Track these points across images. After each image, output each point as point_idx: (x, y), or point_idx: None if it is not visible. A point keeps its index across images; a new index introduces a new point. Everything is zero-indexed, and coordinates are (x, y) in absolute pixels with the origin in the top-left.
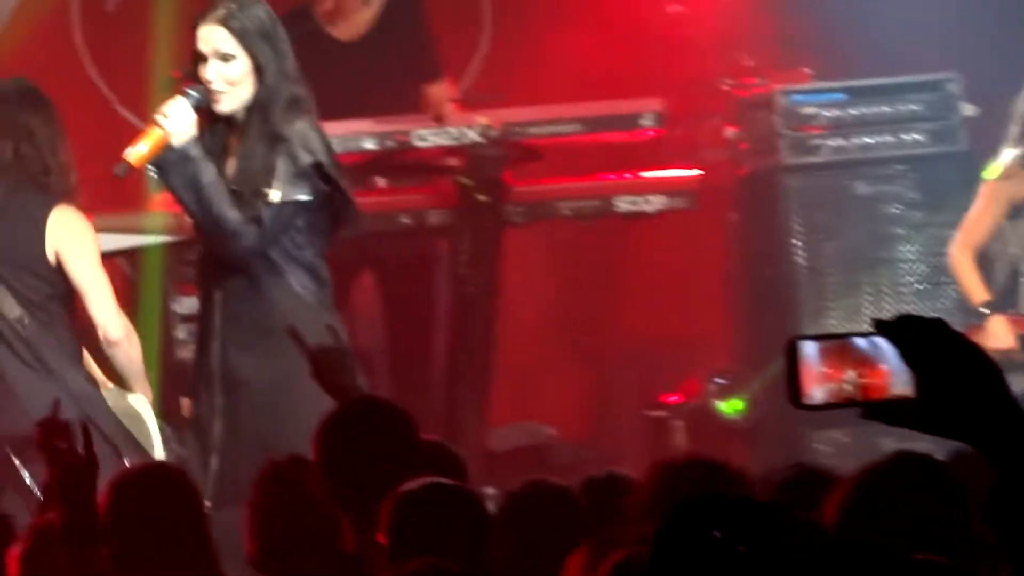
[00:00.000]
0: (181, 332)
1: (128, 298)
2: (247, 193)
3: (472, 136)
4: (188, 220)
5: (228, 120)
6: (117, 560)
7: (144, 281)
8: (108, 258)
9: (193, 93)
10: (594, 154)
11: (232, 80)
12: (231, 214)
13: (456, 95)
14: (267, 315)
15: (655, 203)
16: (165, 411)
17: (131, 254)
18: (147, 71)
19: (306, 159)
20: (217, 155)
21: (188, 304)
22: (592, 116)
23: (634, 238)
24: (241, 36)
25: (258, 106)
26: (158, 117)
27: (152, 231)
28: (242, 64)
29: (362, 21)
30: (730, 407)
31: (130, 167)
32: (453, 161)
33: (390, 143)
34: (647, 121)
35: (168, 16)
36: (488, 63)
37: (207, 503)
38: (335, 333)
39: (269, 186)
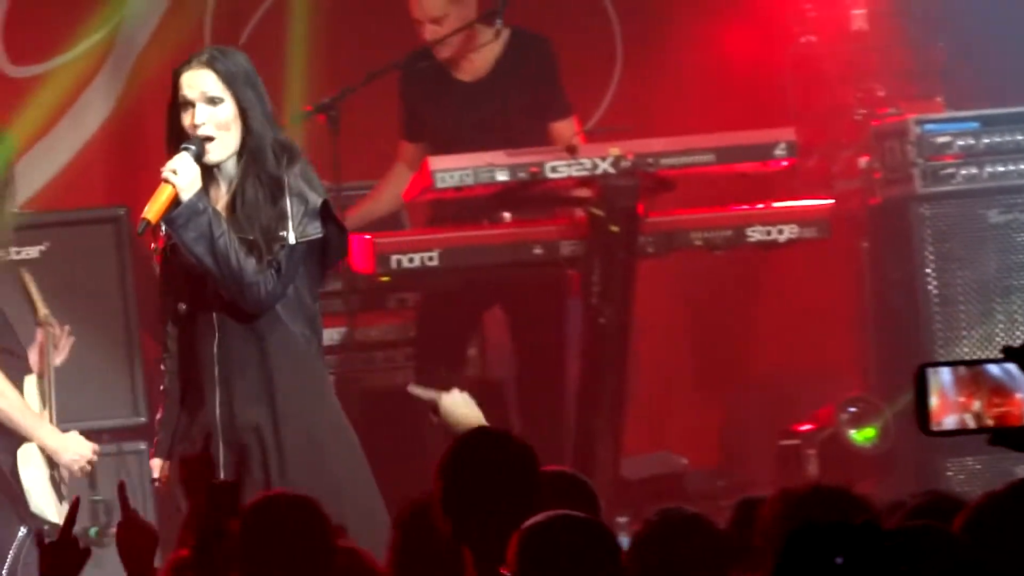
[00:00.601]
0: None
1: None
2: (258, 239)
3: (605, 167)
4: None
5: (207, 169)
6: None
7: None
8: None
9: (191, 146)
10: (726, 184)
11: (221, 124)
12: (248, 263)
13: (584, 130)
14: (270, 366)
15: (787, 232)
16: None
17: None
18: (279, 104)
19: (314, 198)
20: (218, 203)
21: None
22: (725, 146)
23: (766, 268)
24: (227, 80)
25: (250, 152)
26: (167, 173)
27: None
28: (229, 108)
29: (483, 63)
30: (862, 435)
31: (150, 224)
32: (585, 192)
33: (523, 175)
34: (781, 151)
35: (299, 49)
36: (621, 94)
37: None
38: (326, 378)
39: (284, 229)
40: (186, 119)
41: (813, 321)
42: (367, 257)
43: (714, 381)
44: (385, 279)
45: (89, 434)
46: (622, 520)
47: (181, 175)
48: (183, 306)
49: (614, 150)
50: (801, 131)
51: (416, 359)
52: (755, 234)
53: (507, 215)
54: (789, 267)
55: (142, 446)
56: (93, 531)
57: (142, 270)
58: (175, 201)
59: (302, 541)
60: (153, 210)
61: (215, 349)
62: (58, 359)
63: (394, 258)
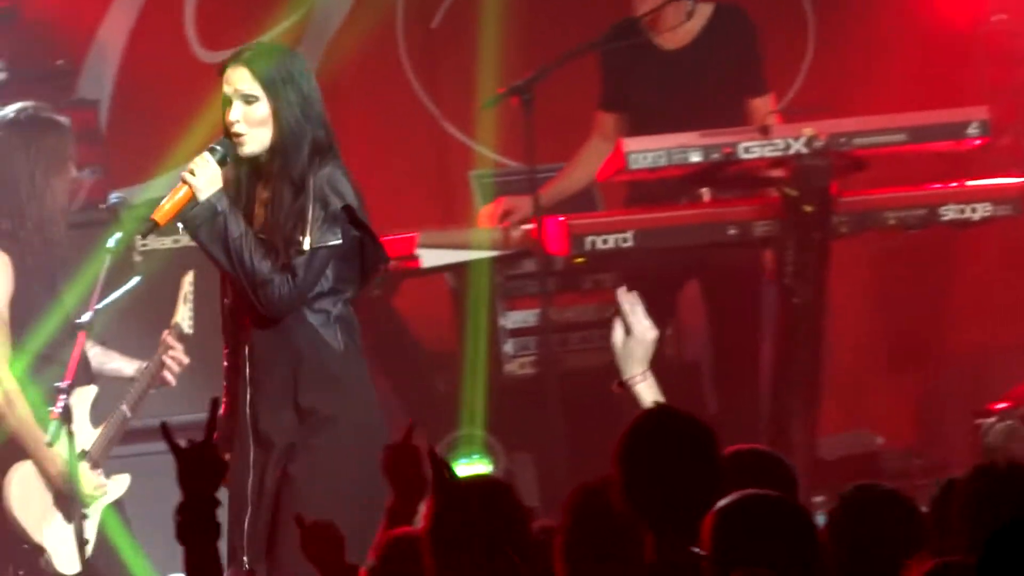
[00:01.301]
0: (509, 347)
1: (455, 313)
2: (278, 242)
3: (798, 147)
4: (515, 235)
5: (255, 166)
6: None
7: (471, 296)
8: (435, 272)
9: (218, 147)
10: (919, 163)
11: (254, 122)
12: (262, 265)
13: (777, 109)
14: (297, 369)
15: (981, 211)
16: (494, 427)
17: (458, 269)
18: (472, 87)
19: (336, 203)
20: (246, 204)
21: (516, 318)
22: (918, 125)
23: (959, 246)
24: (262, 78)
25: (280, 151)
26: (184, 174)
27: (479, 246)
28: (264, 107)
29: (686, 33)
30: None
31: (156, 225)
32: (779, 172)
33: (716, 155)
34: (974, 130)
35: (492, 32)
36: (813, 74)
37: (245, 560)
38: (366, 384)
39: (302, 233)
40: (226, 115)
41: (1008, 299)
42: (561, 239)
43: (909, 359)
44: (580, 261)
45: None
46: (818, 500)
47: (199, 175)
48: (226, 301)
49: (807, 130)
50: (994, 109)
51: None
52: (949, 213)
53: (705, 193)
54: (983, 245)
55: None
56: None
57: None
58: (193, 201)
59: (498, 522)
60: (163, 211)
61: (247, 350)
62: (166, 375)
63: (588, 239)
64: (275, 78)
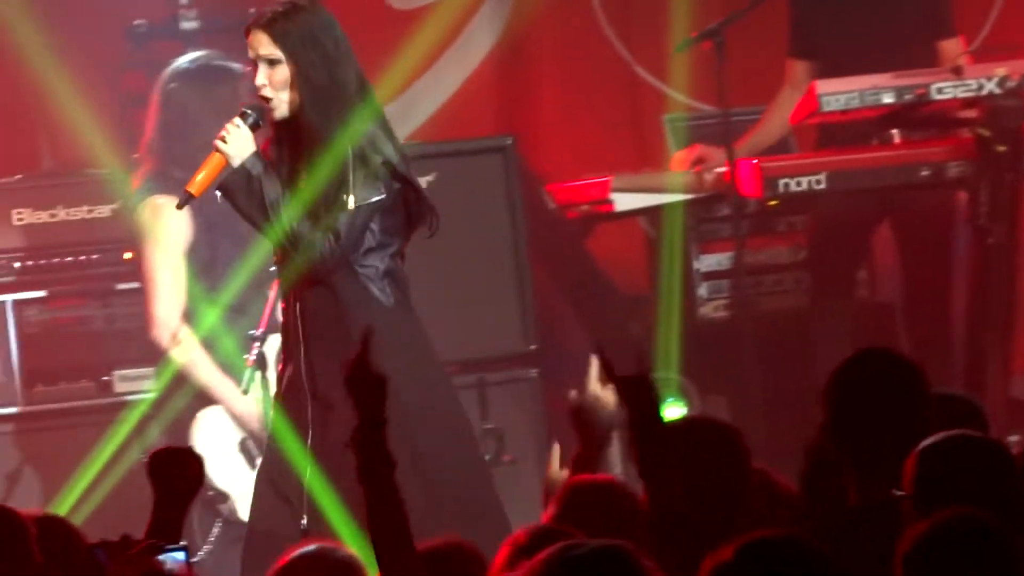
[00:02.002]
0: (703, 290)
1: (649, 257)
2: (320, 202)
3: (991, 87)
4: (708, 178)
5: (292, 129)
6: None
7: (665, 240)
8: (628, 216)
9: (249, 112)
10: None
11: (278, 84)
12: (302, 226)
13: (969, 50)
14: (348, 324)
15: None
16: (688, 370)
17: (651, 213)
18: (664, 31)
19: (376, 159)
20: (288, 166)
21: (709, 262)
22: None
23: None
24: (283, 40)
25: (308, 112)
26: (216, 141)
27: (673, 189)
28: (286, 69)
29: None
30: None
31: (191, 196)
32: (971, 113)
33: (909, 96)
34: None
35: None
36: (1004, 15)
37: (304, 520)
38: (418, 337)
39: (345, 192)
40: (254, 79)
41: None
42: (755, 181)
43: None
44: (773, 203)
45: (476, 363)
46: (1013, 439)
47: (230, 142)
48: (274, 267)
49: (1000, 70)
50: None
51: (809, 283)
52: None
53: (895, 135)
54: None
55: (533, 373)
56: (486, 459)
57: (531, 199)
58: (227, 168)
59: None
60: (197, 181)
61: (298, 307)
62: None
63: (781, 182)
64: (295, 39)
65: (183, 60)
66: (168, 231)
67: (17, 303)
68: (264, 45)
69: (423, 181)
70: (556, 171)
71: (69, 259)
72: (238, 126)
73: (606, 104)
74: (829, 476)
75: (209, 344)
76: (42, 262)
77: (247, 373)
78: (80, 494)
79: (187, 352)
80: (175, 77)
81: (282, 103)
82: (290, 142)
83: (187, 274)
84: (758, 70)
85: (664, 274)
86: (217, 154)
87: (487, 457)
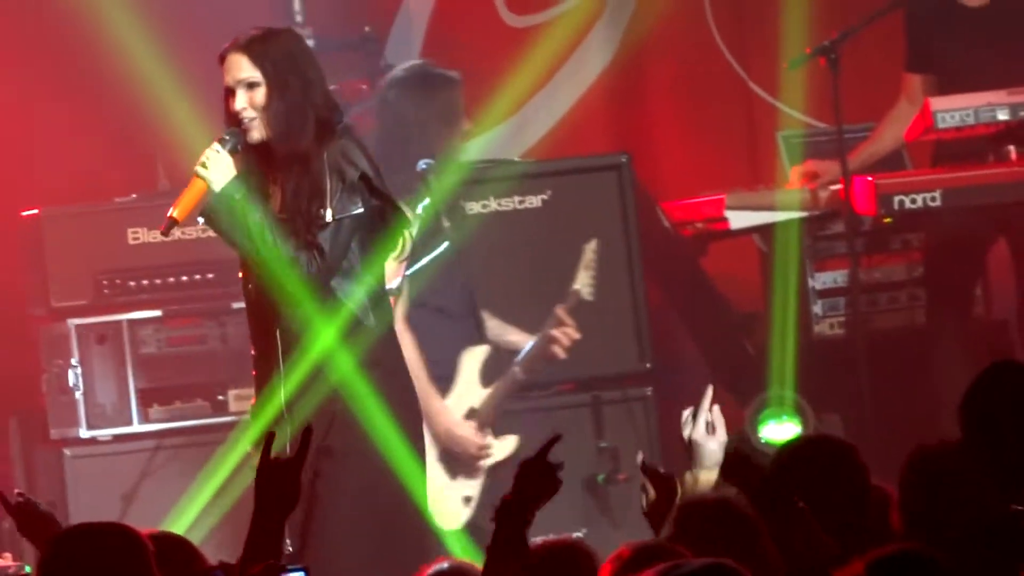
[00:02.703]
0: (818, 308)
1: (763, 275)
2: (299, 221)
3: None
4: (823, 195)
5: (266, 152)
6: None
7: (780, 257)
8: (743, 234)
9: (227, 137)
10: None
11: (259, 106)
12: (286, 246)
13: None
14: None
15: None
16: (803, 388)
17: (766, 230)
18: (778, 48)
19: (352, 173)
20: (262, 189)
21: (824, 279)
22: None
23: None
24: (259, 61)
25: (285, 133)
26: (197, 168)
27: (788, 207)
28: (262, 90)
29: None
30: None
31: (174, 222)
32: None
33: None
34: None
35: None
36: None
37: (288, 544)
38: (399, 360)
39: (322, 207)
40: (231, 105)
41: None
42: (869, 199)
43: None
44: (888, 220)
45: (591, 381)
46: None
47: (211, 168)
48: (251, 287)
49: None
50: None
51: (925, 300)
52: None
53: (1011, 151)
54: None
55: (647, 391)
56: (600, 478)
57: (645, 216)
58: (209, 193)
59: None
60: (180, 207)
61: (277, 330)
62: (555, 349)
63: (896, 199)
64: (273, 61)
65: (399, 69)
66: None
67: (132, 323)
68: (243, 68)
69: (538, 200)
70: (671, 189)
71: (184, 279)
72: (217, 151)
73: (721, 121)
74: (948, 490)
75: None
76: (157, 282)
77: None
78: (197, 513)
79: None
80: (392, 85)
81: (262, 125)
82: (264, 165)
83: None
84: (872, 86)
85: (778, 292)
86: (198, 180)
87: (600, 477)
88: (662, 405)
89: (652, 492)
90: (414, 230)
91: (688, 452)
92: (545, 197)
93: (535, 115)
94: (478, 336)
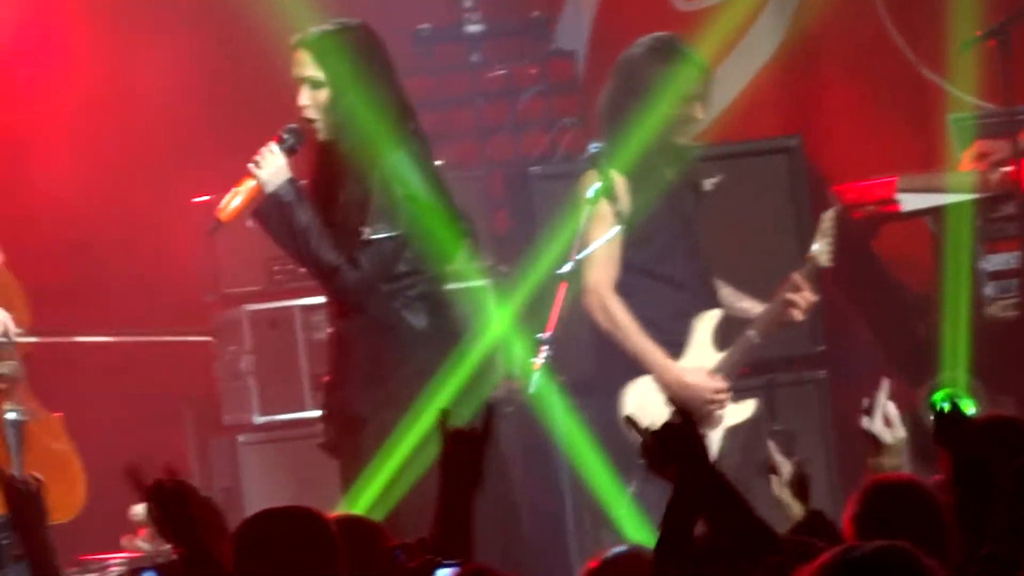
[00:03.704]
0: (990, 289)
1: (935, 257)
2: (345, 230)
3: None
4: (994, 177)
5: (331, 152)
6: None
7: (951, 239)
8: (915, 217)
9: (286, 136)
10: None
11: (321, 106)
12: (328, 255)
13: None
14: (381, 354)
15: None
16: (976, 369)
17: (937, 212)
18: (947, 30)
19: (398, 191)
20: (329, 190)
21: (996, 261)
22: None
23: None
24: (322, 59)
25: (344, 136)
26: (249, 166)
27: (959, 189)
28: (324, 91)
29: None
30: None
31: (220, 224)
32: None
33: None
34: None
35: None
36: None
37: None
38: (444, 362)
39: (362, 223)
40: (299, 99)
41: None
42: None
43: None
44: None
45: (765, 364)
46: None
47: (264, 168)
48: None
49: None
50: None
51: None
52: None
53: None
54: None
55: (821, 374)
56: None
57: (817, 199)
58: (261, 193)
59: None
60: (228, 208)
61: (335, 336)
62: (793, 312)
63: None
64: (338, 62)
65: (647, 38)
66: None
67: (304, 308)
68: (307, 66)
69: (708, 183)
70: (842, 171)
71: None
72: (272, 151)
73: (891, 104)
74: None
75: (502, 346)
76: None
77: (534, 377)
78: (373, 497)
79: (615, 320)
80: (639, 46)
81: (324, 126)
82: (328, 166)
83: (622, 246)
84: None
85: (950, 274)
86: (251, 179)
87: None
88: (836, 388)
89: (788, 471)
90: (583, 217)
91: (867, 442)
92: (716, 180)
93: None
94: (710, 303)
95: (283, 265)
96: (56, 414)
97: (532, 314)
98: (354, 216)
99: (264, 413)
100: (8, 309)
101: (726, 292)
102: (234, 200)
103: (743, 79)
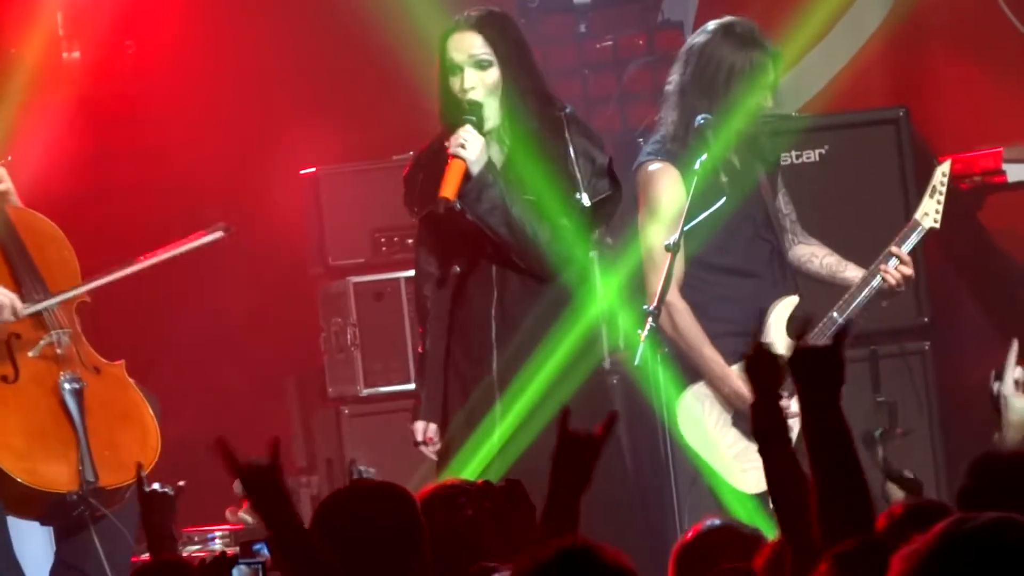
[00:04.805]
0: None
1: None
2: (548, 204)
3: None
4: None
5: (498, 134)
6: None
7: None
8: (1021, 187)
9: (472, 117)
10: None
11: (490, 87)
12: (542, 230)
13: None
14: (544, 321)
15: None
16: None
17: None
18: None
19: (600, 157)
20: (507, 171)
21: None
22: None
23: None
24: (494, 42)
25: (515, 114)
26: (455, 149)
27: None
28: (496, 71)
29: None
30: None
31: (450, 202)
32: None
33: None
34: None
35: None
36: None
37: None
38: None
39: (575, 191)
40: (455, 83)
41: None
42: None
43: None
44: None
45: (869, 335)
46: None
47: (469, 148)
48: (457, 269)
49: None
50: None
51: None
52: None
53: None
54: None
55: (925, 346)
56: (878, 433)
57: (923, 170)
58: (466, 175)
59: None
60: (451, 188)
61: (492, 309)
62: (889, 281)
63: None
64: (505, 42)
65: (724, 19)
66: (661, 197)
67: (409, 280)
68: (477, 46)
69: (815, 153)
70: (948, 143)
71: None
72: (473, 133)
73: (998, 74)
74: None
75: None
76: None
77: (640, 348)
78: (477, 470)
79: (676, 326)
80: (710, 30)
81: (492, 106)
82: (491, 145)
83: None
84: None
85: None
86: (458, 161)
87: (878, 432)
88: (940, 360)
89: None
90: (691, 185)
91: (995, 408)
92: (823, 151)
93: (812, 69)
94: (784, 288)
95: (389, 236)
96: (118, 362)
97: (638, 286)
98: (560, 188)
99: (369, 385)
100: (71, 282)
101: (830, 261)
102: (452, 181)
103: (850, 51)
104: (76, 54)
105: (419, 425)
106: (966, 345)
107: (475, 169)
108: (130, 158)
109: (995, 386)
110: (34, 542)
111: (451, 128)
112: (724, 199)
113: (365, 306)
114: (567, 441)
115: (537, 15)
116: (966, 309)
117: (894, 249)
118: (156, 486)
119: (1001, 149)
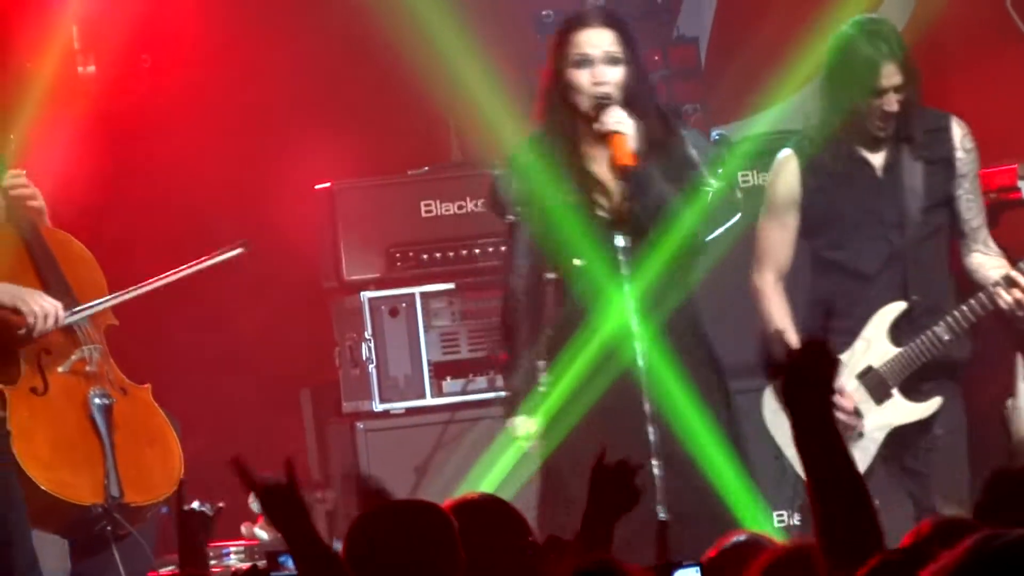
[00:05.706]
0: None
1: None
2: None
3: None
4: None
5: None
6: None
7: None
8: None
9: (609, 101)
10: None
11: (619, 83)
12: (678, 200)
13: None
14: (690, 306)
15: None
16: None
17: None
18: None
19: (709, 143)
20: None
21: None
22: None
23: None
24: (626, 41)
25: (647, 112)
26: (615, 125)
27: None
28: (624, 69)
29: None
30: None
31: (631, 167)
32: None
33: None
34: None
35: None
36: None
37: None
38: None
39: (703, 179)
40: (583, 76)
41: None
42: None
43: None
44: None
45: None
46: None
47: (627, 124)
48: (578, 262)
49: None
50: None
51: None
52: None
53: None
54: None
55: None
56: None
57: None
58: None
59: None
60: (627, 156)
61: (628, 303)
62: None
63: None
64: (634, 43)
65: (857, 20)
66: (777, 186)
67: (425, 296)
68: (611, 42)
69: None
70: None
71: (477, 251)
72: (621, 112)
73: (1014, 91)
74: None
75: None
76: (450, 254)
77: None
78: (493, 487)
79: (761, 311)
80: (849, 27)
81: (619, 102)
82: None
83: (797, 230)
84: None
85: None
86: (623, 135)
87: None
88: (964, 384)
89: None
90: (709, 198)
91: (1006, 426)
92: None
93: None
94: (894, 293)
95: (404, 252)
96: (144, 386)
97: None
98: (678, 178)
99: (384, 400)
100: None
101: (975, 259)
102: (623, 151)
103: None
104: (92, 68)
105: (520, 420)
106: (982, 362)
107: (633, 145)
108: (145, 172)
109: (1009, 403)
110: (48, 559)
111: (556, 128)
112: (739, 215)
113: (380, 321)
114: (601, 473)
115: (553, 29)
116: (981, 326)
117: (1013, 274)
118: (195, 504)
119: (1016, 166)
